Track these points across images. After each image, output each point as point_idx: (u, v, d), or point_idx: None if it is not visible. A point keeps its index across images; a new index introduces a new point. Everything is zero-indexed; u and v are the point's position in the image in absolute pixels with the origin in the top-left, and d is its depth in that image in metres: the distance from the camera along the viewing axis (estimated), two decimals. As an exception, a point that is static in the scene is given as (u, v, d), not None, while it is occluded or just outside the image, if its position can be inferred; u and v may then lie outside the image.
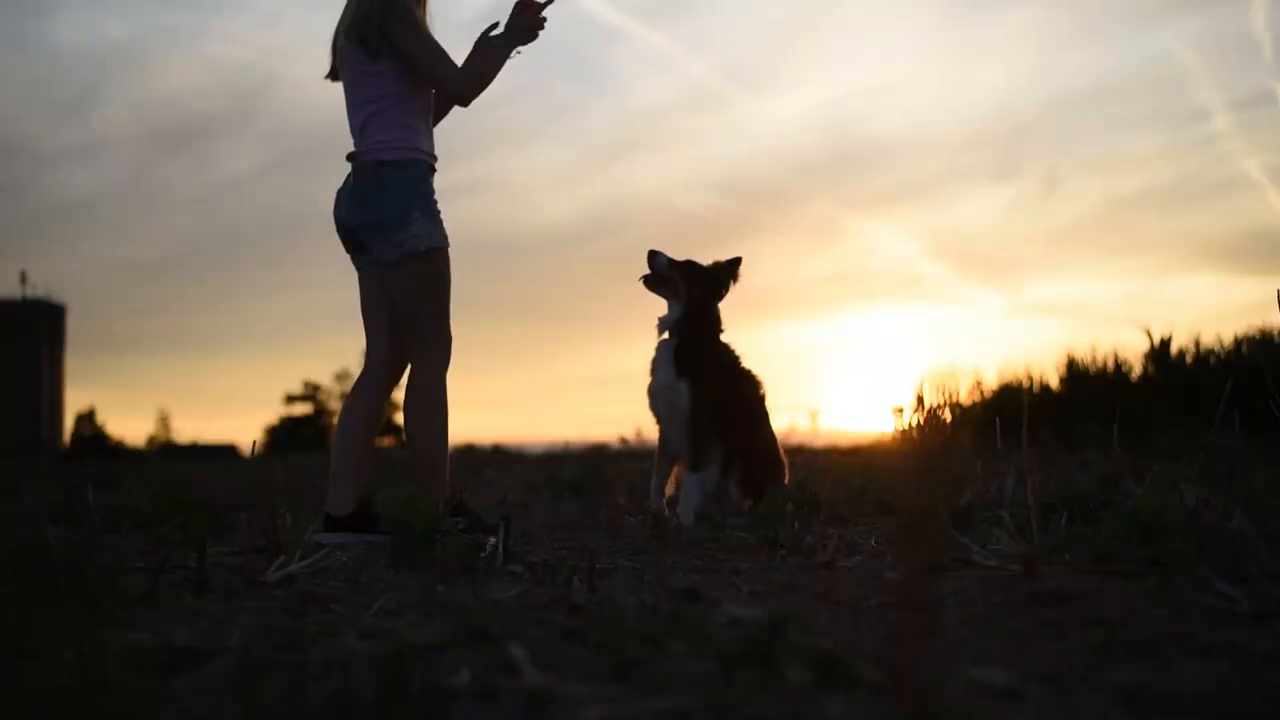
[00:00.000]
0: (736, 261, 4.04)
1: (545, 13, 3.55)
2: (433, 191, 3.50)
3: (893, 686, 1.32)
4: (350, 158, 3.53)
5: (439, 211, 3.50)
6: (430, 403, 3.50)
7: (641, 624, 1.67)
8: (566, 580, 2.31)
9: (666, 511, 3.88)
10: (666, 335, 4.00)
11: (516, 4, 3.54)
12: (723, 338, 4.06)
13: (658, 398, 3.97)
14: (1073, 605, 1.94)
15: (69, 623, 1.94)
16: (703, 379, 3.90)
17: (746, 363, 4.10)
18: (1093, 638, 1.69)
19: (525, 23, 3.53)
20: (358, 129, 3.51)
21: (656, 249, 4.04)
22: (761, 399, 4.09)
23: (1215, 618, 1.80)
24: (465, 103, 3.56)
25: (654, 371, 4.00)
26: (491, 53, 3.51)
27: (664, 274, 4.01)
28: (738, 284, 4.05)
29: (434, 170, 3.55)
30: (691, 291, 3.98)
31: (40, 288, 47.77)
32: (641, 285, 4.04)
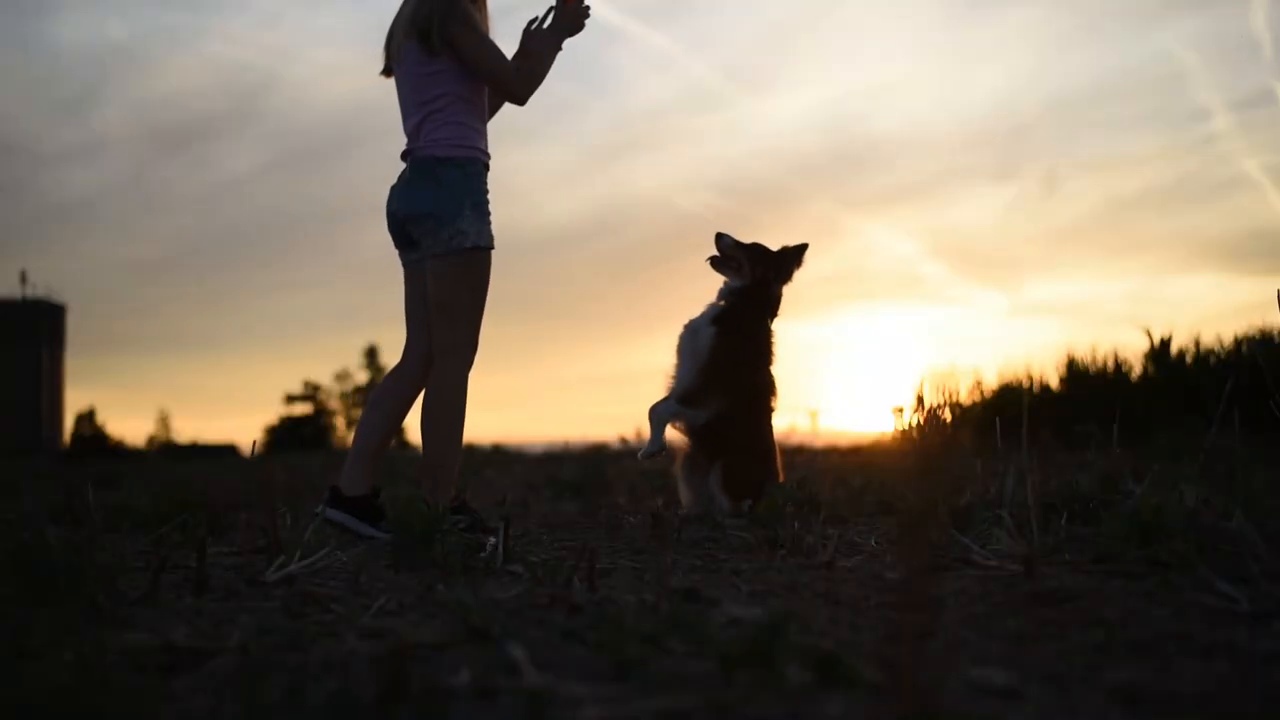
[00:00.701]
0: (803, 248, 4.16)
1: (584, 5, 3.59)
2: (486, 191, 3.52)
3: (893, 686, 1.31)
4: (405, 155, 3.56)
5: (490, 213, 3.52)
6: (446, 401, 3.50)
7: (641, 624, 1.67)
8: (566, 580, 2.31)
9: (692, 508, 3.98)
10: (719, 299, 4.12)
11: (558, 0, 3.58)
12: (774, 325, 4.15)
13: (684, 335, 4.10)
14: (1073, 605, 1.94)
15: (69, 623, 1.94)
16: (731, 334, 4.02)
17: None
18: (1093, 638, 1.69)
19: (570, 16, 3.58)
20: (413, 127, 3.53)
21: (723, 231, 4.14)
22: (769, 394, 4.12)
23: (1215, 618, 1.80)
24: (522, 102, 3.58)
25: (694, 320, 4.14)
26: (544, 50, 3.55)
27: (730, 254, 4.10)
28: (802, 270, 4.16)
29: (488, 169, 3.57)
30: (754, 271, 4.09)
31: (40, 288, 47.78)
32: (710, 265, 4.14)
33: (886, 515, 3.86)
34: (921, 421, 3.66)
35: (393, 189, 3.57)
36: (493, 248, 3.52)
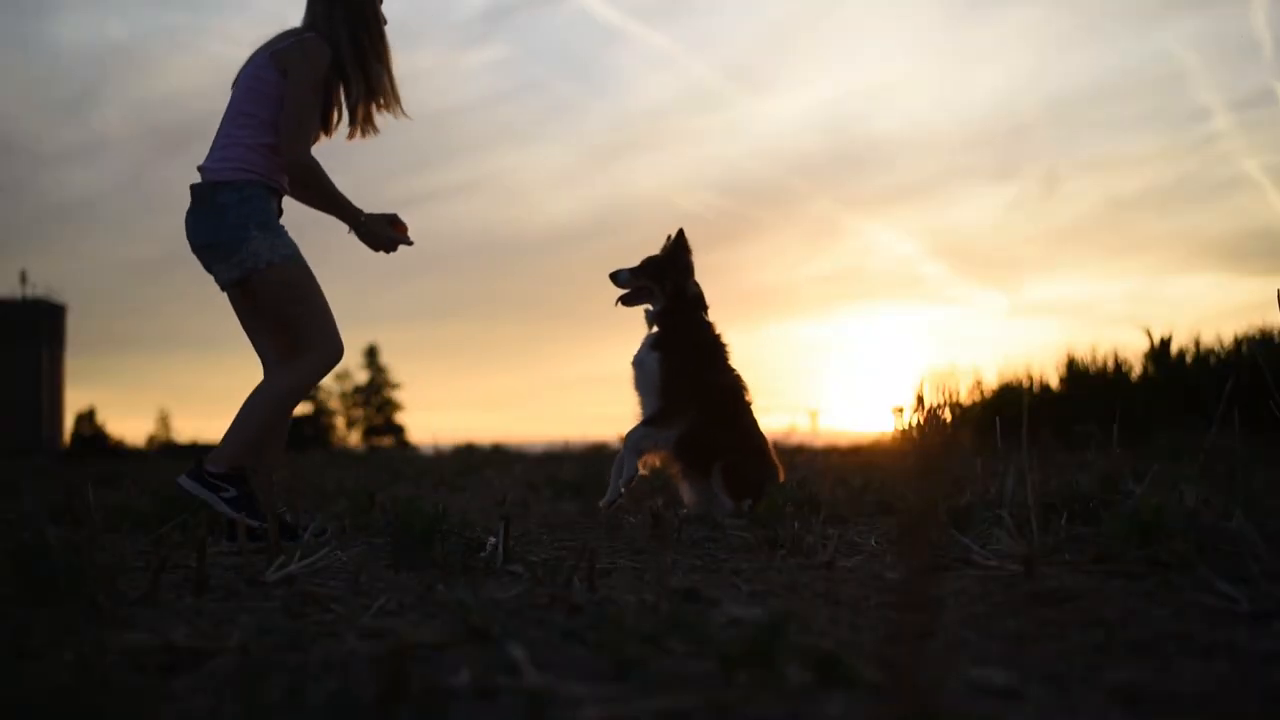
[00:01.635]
0: (679, 234, 4.14)
1: (400, 246, 3.70)
2: (272, 211, 3.51)
3: (893, 686, 1.31)
4: (200, 169, 3.57)
5: (281, 226, 3.53)
6: (271, 395, 3.52)
7: (641, 624, 1.67)
8: (566, 580, 2.31)
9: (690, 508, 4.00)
10: (650, 323, 4.15)
11: (393, 215, 3.68)
12: (710, 319, 4.16)
13: (635, 371, 4.12)
14: (1073, 605, 1.94)
15: (69, 623, 1.94)
16: (675, 352, 4.04)
17: (739, 359, 4.18)
18: (1093, 638, 1.69)
19: (383, 231, 3.66)
20: (214, 143, 3.56)
21: (613, 270, 4.15)
22: (739, 390, 4.13)
23: (1215, 618, 1.80)
24: (288, 165, 3.52)
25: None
26: (342, 203, 3.60)
27: (631, 285, 4.12)
28: (692, 253, 4.14)
29: (275, 193, 3.55)
30: (664, 285, 4.08)
31: (40, 287, 47.79)
32: (622, 305, 4.16)
33: (886, 515, 3.86)
34: (921, 421, 3.66)
35: (185, 216, 3.58)
36: (294, 257, 3.50)
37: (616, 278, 4.14)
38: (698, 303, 4.14)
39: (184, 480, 3.48)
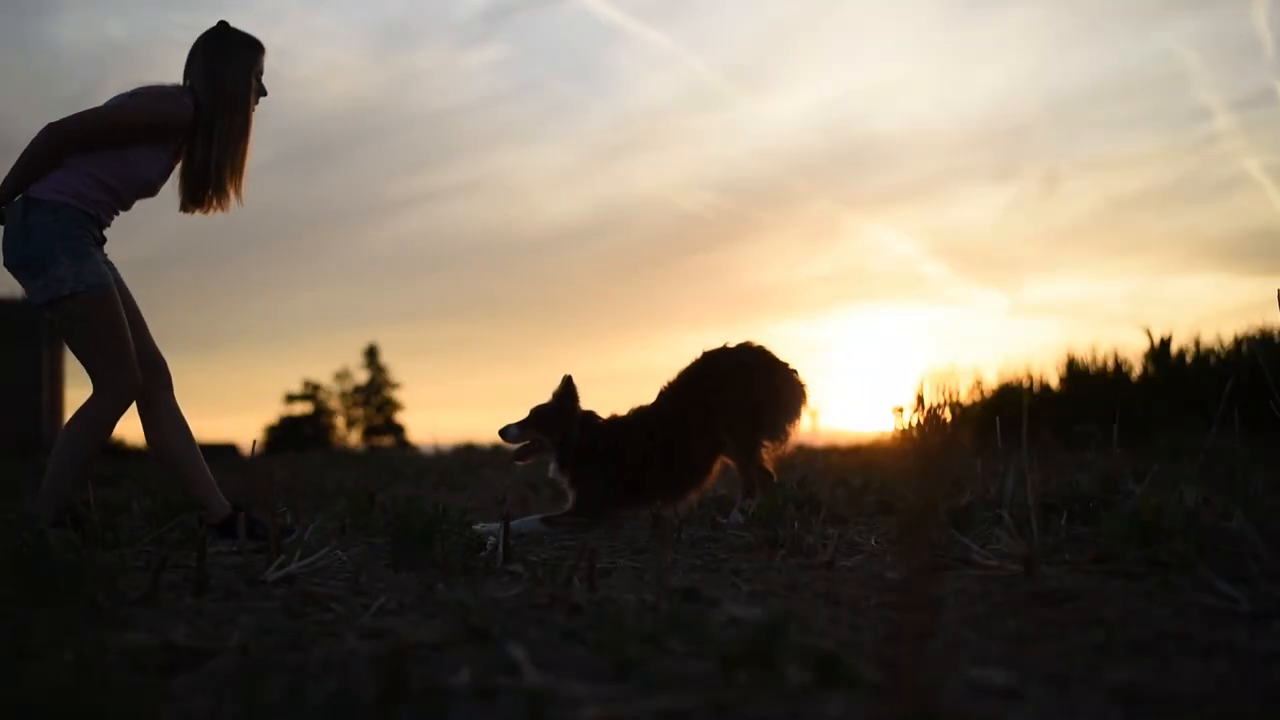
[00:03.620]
0: (567, 380, 4.11)
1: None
2: (84, 235, 3.43)
3: (893, 686, 1.31)
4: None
5: (90, 253, 3.43)
6: (89, 432, 3.49)
7: (641, 624, 1.67)
8: (566, 580, 2.31)
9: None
10: (564, 476, 4.06)
11: None
12: (600, 420, 4.11)
13: None
14: (1073, 605, 1.94)
15: (69, 623, 1.94)
16: (585, 486, 3.98)
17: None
18: (1093, 638, 1.69)
19: None
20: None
21: (503, 426, 4.09)
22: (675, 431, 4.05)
23: (1215, 618, 1.80)
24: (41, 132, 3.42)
25: None
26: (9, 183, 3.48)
27: (521, 439, 4.07)
28: (578, 398, 4.10)
29: (93, 219, 3.47)
30: (553, 435, 4.04)
31: (40, 287, 47.68)
32: (519, 461, 4.13)
33: (886, 515, 3.86)
34: (921, 421, 3.66)
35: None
36: (102, 286, 3.41)
37: (505, 434, 4.10)
38: (587, 437, 4.04)
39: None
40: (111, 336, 3.46)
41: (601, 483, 3.96)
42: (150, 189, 3.59)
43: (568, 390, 4.10)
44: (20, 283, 3.47)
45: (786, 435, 4.13)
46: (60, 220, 3.38)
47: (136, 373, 3.52)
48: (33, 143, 3.41)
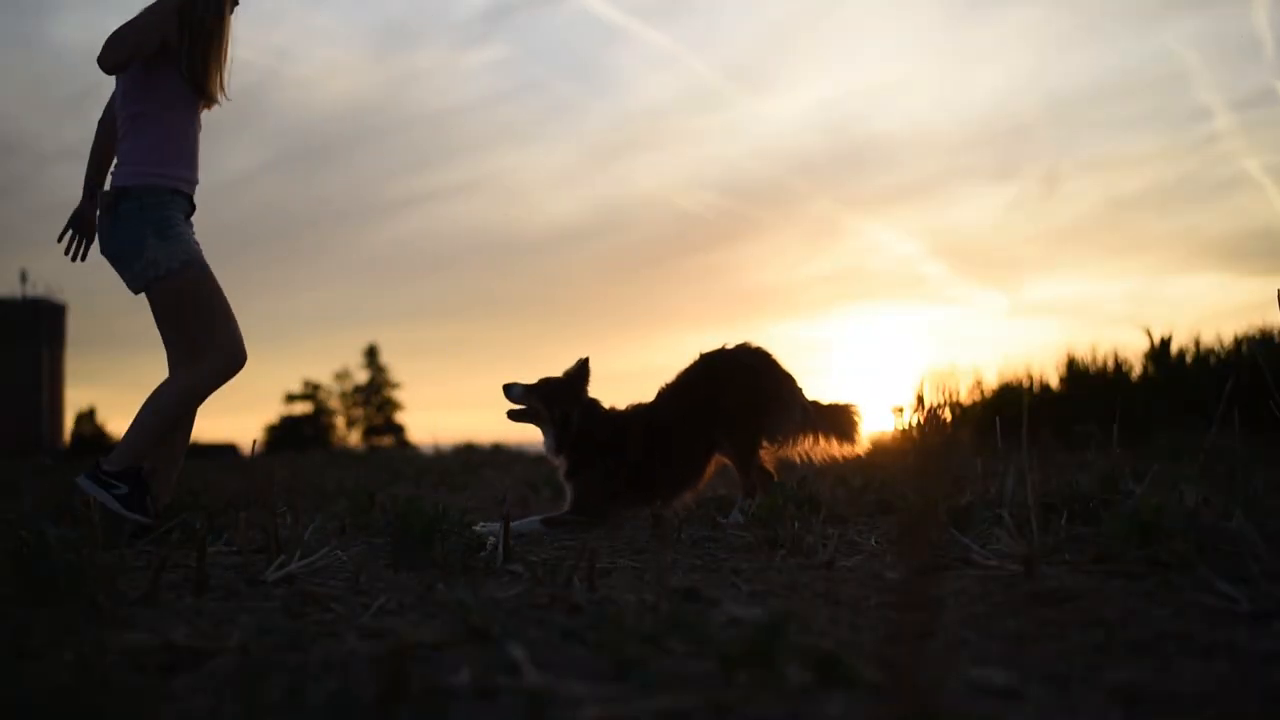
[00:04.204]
0: (584, 363, 4.08)
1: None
2: (172, 215, 3.48)
3: (893, 686, 1.31)
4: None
5: (178, 232, 3.48)
6: (165, 401, 3.52)
7: (641, 624, 1.67)
8: (566, 580, 2.31)
9: None
10: (560, 461, 4.04)
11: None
12: (602, 410, 4.08)
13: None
14: (1073, 605, 1.94)
15: (69, 623, 1.94)
16: (584, 477, 3.97)
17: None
18: (1093, 638, 1.69)
19: (89, 219, 3.70)
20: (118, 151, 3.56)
21: (509, 381, 4.06)
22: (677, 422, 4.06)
23: (1215, 618, 1.80)
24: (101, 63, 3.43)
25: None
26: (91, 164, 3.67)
27: (522, 403, 4.04)
28: (589, 382, 4.08)
29: (180, 194, 3.52)
30: (554, 412, 4.01)
31: (41, 287, 47.80)
32: (510, 419, 4.08)
33: (886, 515, 3.86)
34: (921, 421, 3.66)
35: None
36: (193, 262, 3.48)
37: (510, 390, 4.06)
38: (588, 424, 4.02)
39: (81, 480, 3.51)
40: (211, 309, 3.52)
41: (600, 477, 3.95)
42: (203, 92, 3.56)
43: (581, 372, 4.08)
44: (117, 271, 3.52)
45: (785, 437, 4.12)
46: (146, 206, 3.44)
47: (242, 346, 3.56)
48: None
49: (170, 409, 3.53)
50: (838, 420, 4.18)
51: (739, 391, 4.06)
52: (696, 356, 4.18)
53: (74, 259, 3.69)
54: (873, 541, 3.09)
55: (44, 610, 2.05)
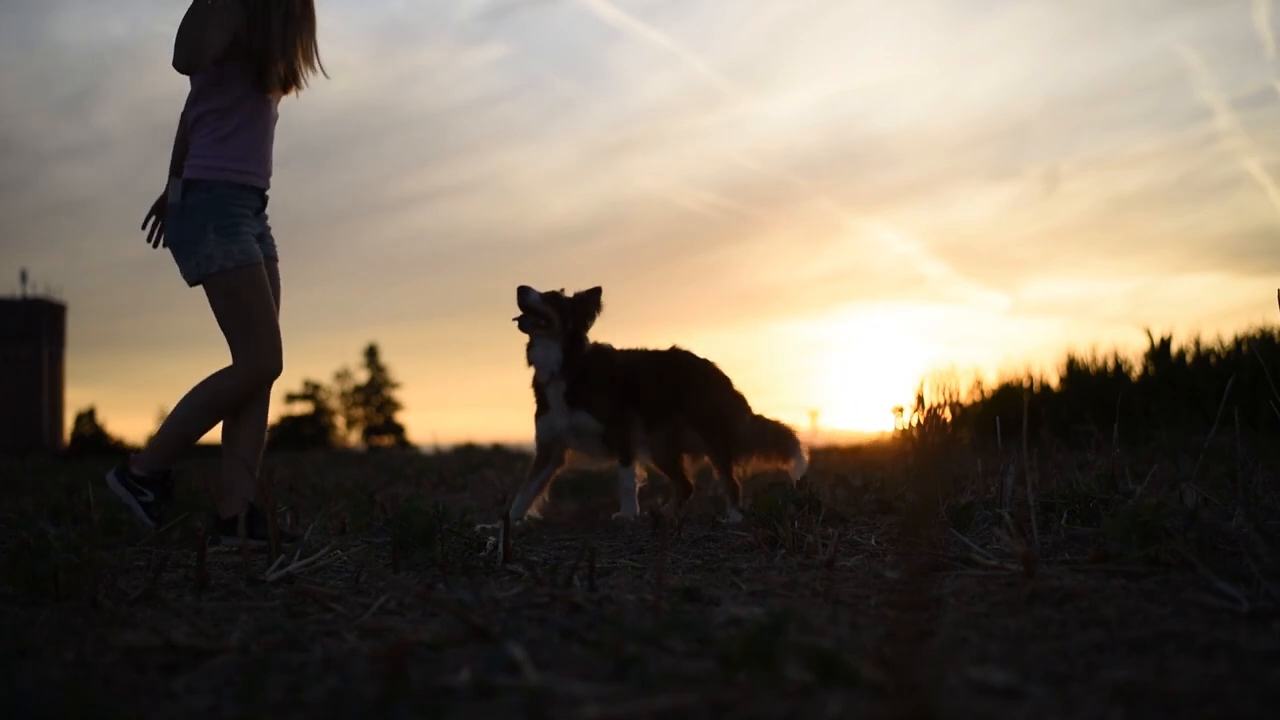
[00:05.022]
0: (598, 290, 4.05)
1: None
2: (237, 211, 3.47)
3: (892, 686, 1.32)
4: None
5: (240, 231, 3.46)
6: (206, 396, 3.50)
7: (641, 623, 1.67)
8: (566, 579, 2.31)
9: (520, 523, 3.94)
10: (551, 378, 3.97)
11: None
12: (595, 345, 4.07)
13: (561, 436, 4.02)
14: (1073, 605, 1.94)
15: (69, 622, 1.94)
16: (600, 401, 3.97)
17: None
18: (1093, 637, 1.69)
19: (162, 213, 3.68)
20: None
21: (524, 284, 3.98)
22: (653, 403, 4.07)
23: (1215, 617, 1.80)
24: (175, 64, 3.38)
25: (547, 414, 4.01)
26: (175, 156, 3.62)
27: (538, 309, 3.96)
28: (602, 313, 4.05)
29: (248, 188, 3.50)
30: (566, 324, 3.96)
31: (40, 286, 47.84)
32: (517, 325, 4.00)
33: (886, 515, 3.86)
34: (921, 421, 3.66)
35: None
36: (251, 262, 3.46)
37: (525, 294, 3.96)
38: (589, 349, 4.02)
39: (110, 479, 3.50)
40: (252, 314, 3.49)
41: (613, 403, 3.97)
42: (270, 76, 3.50)
43: (595, 295, 4.03)
44: (175, 260, 3.52)
45: (744, 448, 4.11)
46: (213, 199, 3.44)
47: (276, 357, 3.53)
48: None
49: (196, 411, 3.51)
50: (780, 438, 4.18)
51: (715, 393, 4.08)
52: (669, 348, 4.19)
53: (154, 245, 3.69)
54: (873, 541, 3.09)
55: (44, 610, 2.06)
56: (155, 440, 3.53)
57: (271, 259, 3.65)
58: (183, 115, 3.70)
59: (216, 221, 3.42)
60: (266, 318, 3.51)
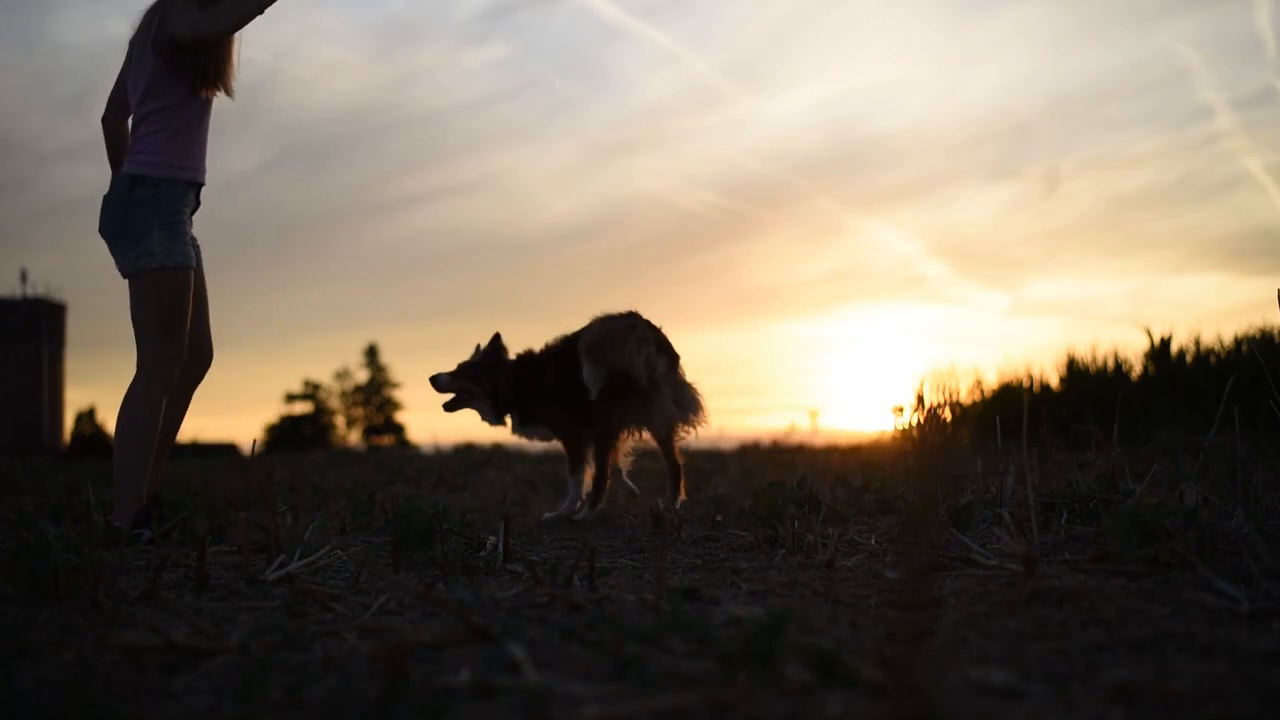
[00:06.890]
0: (497, 337, 4.30)
1: None
2: (182, 210, 3.51)
3: (892, 686, 1.32)
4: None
5: (185, 232, 3.52)
6: (126, 418, 3.52)
7: (641, 623, 1.67)
8: (566, 579, 2.31)
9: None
10: (507, 424, 4.27)
11: None
12: (523, 363, 4.23)
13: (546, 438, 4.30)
14: (1073, 605, 1.94)
15: (69, 622, 1.94)
16: (542, 413, 4.19)
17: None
18: (1092, 637, 1.69)
19: None
20: (133, 134, 3.58)
21: (432, 373, 4.26)
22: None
23: (1215, 617, 1.80)
24: (220, 32, 3.44)
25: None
26: None
27: (454, 388, 4.24)
28: (505, 351, 4.30)
29: (193, 186, 3.55)
30: (484, 384, 4.22)
31: (41, 286, 47.87)
32: (447, 411, 4.28)
33: (886, 515, 3.86)
34: (921, 421, 3.66)
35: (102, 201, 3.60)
36: (188, 267, 3.51)
37: (435, 382, 4.25)
38: (517, 387, 4.19)
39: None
40: (173, 318, 3.53)
41: (558, 409, 4.12)
42: (223, 85, 3.58)
43: (495, 344, 4.28)
44: (110, 250, 3.54)
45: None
46: (160, 195, 3.47)
47: (178, 365, 3.57)
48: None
49: (129, 442, 3.51)
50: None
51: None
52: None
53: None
54: (873, 541, 3.09)
55: (44, 610, 2.06)
56: (116, 489, 3.53)
57: (198, 261, 3.68)
58: (106, 114, 3.73)
59: (163, 219, 3.47)
60: (182, 325, 3.56)
